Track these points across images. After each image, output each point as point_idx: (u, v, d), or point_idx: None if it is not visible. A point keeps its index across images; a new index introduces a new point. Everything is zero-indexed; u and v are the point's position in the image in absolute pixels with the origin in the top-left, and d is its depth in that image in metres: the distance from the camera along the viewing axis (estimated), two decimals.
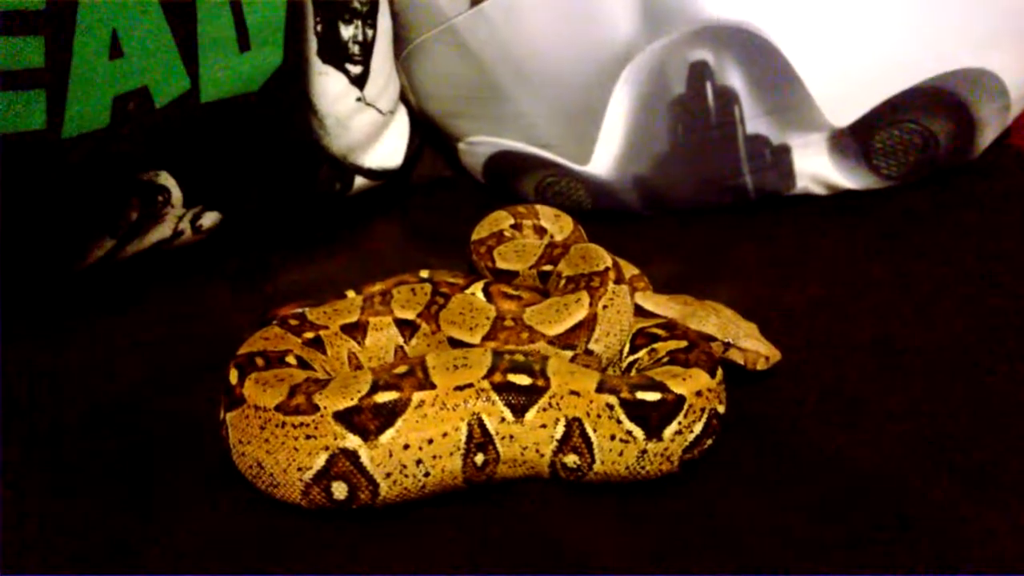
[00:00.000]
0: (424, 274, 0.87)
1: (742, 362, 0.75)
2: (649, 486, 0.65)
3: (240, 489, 0.65)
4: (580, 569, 0.58)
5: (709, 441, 0.66)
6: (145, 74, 0.82)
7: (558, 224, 0.94)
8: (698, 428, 0.65)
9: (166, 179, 0.90)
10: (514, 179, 1.08)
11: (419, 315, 0.76)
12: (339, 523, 0.63)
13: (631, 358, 0.74)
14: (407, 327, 0.76)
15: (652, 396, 0.63)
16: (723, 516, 0.63)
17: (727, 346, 0.76)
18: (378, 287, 0.84)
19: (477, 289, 0.80)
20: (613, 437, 0.63)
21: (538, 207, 0.96)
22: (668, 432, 0.64)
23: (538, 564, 0.59)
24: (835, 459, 0.67)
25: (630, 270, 0.84)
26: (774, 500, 0.64)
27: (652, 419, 0.63)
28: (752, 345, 0.75)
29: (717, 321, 0.77)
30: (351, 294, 0.83)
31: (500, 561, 0.59)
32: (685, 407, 0.64)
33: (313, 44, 0.94)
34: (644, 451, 0.64)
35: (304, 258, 1.00)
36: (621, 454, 0.64)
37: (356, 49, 0.98)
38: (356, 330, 0.76)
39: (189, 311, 0.91)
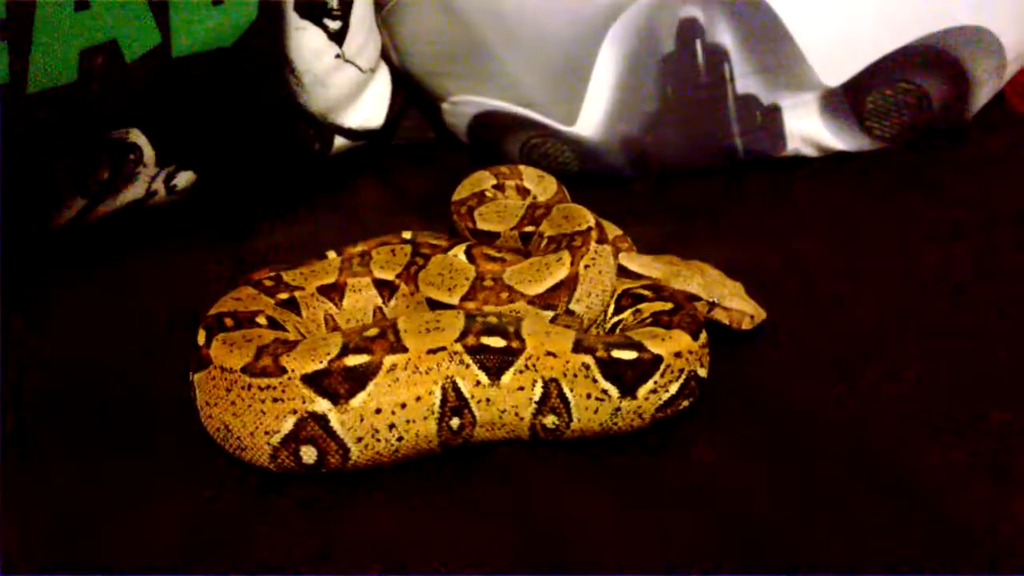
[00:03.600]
0: (407, 235, 0.86)
1: (727, 321, 0.75)
2: (629, 446, 0.65)
3: (211, 452, 0.64)
4: (560, 534, 0.58)
5: (685, 402, 0.66)
6: (113, 27, 0.80)
7: (541, 185, 0.93)
8: (674, 388, 0.64)
9: (137, 137, 0.87)
10: (499, 140, 1.06)
11: (398, 276, 0.75)
12: (309, 487, 0.62)
13: (615, 319, 0.74)
14: (386, 288, 0.75)
15: (628, 355, 0.63)
16: (702, 476, 0.62)
17: (712, 305, 0.75)
18: (359, 248, 0.82)
19: (459, 251, 0.78)
20: (589, 396, 0.63)
21: (521, 168, 0.94)
22: (643, 391, 0.63)
23: (515, 527, 0.58)
24: (817, 419, 0.67)
25: (613, 231, 0.83)
26: (755, 460, 0.63)
27: (627, 377, 0.63)
28: (737, 304, 0.74)
29: (702, 280, 0.76)
30: (331, 255, 0.82)
31: (476, 524, 0.59)
32: (662, 367, 0.63)
33: None
34: (618, 408, 0.63)
35: (283, 220, 0.98)
36: (596, 412, 0.63)
37: (335, 4, 0.95)
38: (333, 291, 0.75)
39: (164, 273, 0.89)
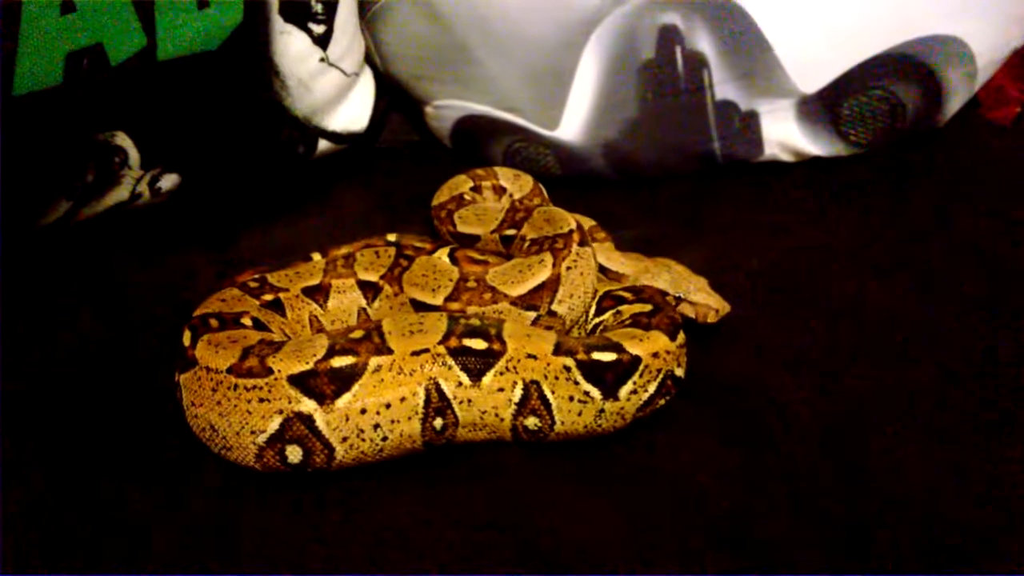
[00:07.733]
0: (391, 238, 0.87)
1: (693, 315, 0.77)
2: (606, 445, 0.66)
3: (197, 452, 0.65)
4: (544, 532, 0.59)
5: (662, 401, 0.67)
6: (99, 30, 0.80)
7: (517, 183, 0.94)
8: (652, 388, 0.66)
9: (123, 139, 0.88)
10: (482, 144, 1.07)
11: (382, 277, 0.75)
12: (294, 487, 0.62)
13: (596, 320, 0.75)
14: (370, 289, 0.76)
15: (607, 356, 0.64)
16: (680, 472, 0.63)
17: (678, 300, 0.77)
18: (344, 250, 0.83)
19: (443, 253, 0.79)
20: (571, 398, 0.63)
21: (497, 169, 0.96)
22: (624, 392, 0.64)
23: (500, 526, 0.59)
24: (790, 415, 0.68)
25: (587, 222, 0.85)
26: (724, 455, 0.65)
27: (607, 379, 0.64)
28: (702, 299, 0.76)
29: (669, 276, 0.78)
30: (316, 257, 0.82)
31: (461, 523, 0.60)
32: (641, 367, 0.65)
33: (275, 2, 0.92)
34: (602, 410, 0.64)
35: (268, 222, 0.98)
36: (580, 414, 0.64)
37: (319, 8, 0.96)
38: (318, 292, 0.76)
39: (149, 275, 0.89)
